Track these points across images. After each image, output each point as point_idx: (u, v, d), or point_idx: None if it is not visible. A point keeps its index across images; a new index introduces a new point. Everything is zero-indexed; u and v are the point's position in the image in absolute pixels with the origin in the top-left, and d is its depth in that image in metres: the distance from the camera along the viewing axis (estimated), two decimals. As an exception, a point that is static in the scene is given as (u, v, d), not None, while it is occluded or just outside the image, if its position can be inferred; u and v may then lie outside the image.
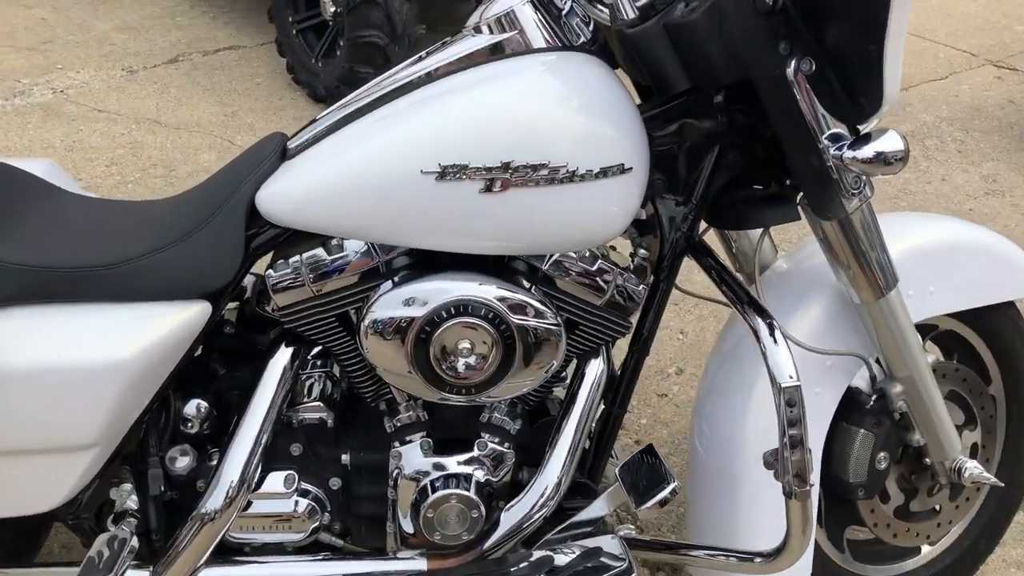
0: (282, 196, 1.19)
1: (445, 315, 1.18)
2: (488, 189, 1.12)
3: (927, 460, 1.44)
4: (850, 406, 1.40)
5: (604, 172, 1.14)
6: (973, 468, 1.41)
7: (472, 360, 1.19)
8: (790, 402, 1.15)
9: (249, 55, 3.93)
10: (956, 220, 1.56)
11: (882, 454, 1.41)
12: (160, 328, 1.19)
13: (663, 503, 1.23)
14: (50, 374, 1.17)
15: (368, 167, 1.15)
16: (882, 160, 1.12)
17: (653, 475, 1.26)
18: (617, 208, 1.18)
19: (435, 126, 1.14)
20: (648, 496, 1.24)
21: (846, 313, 1.37)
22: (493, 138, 1.12)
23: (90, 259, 1.20)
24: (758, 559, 1.27)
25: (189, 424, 1.33)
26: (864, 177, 1.18)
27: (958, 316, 1.48)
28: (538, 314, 1.20)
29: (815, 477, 1.25)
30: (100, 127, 3.26)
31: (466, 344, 1.19)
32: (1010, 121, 3.54)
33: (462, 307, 1.17)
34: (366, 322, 1.20)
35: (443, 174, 1.12)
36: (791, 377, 1.16)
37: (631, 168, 1.15)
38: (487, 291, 1.18)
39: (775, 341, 1.17)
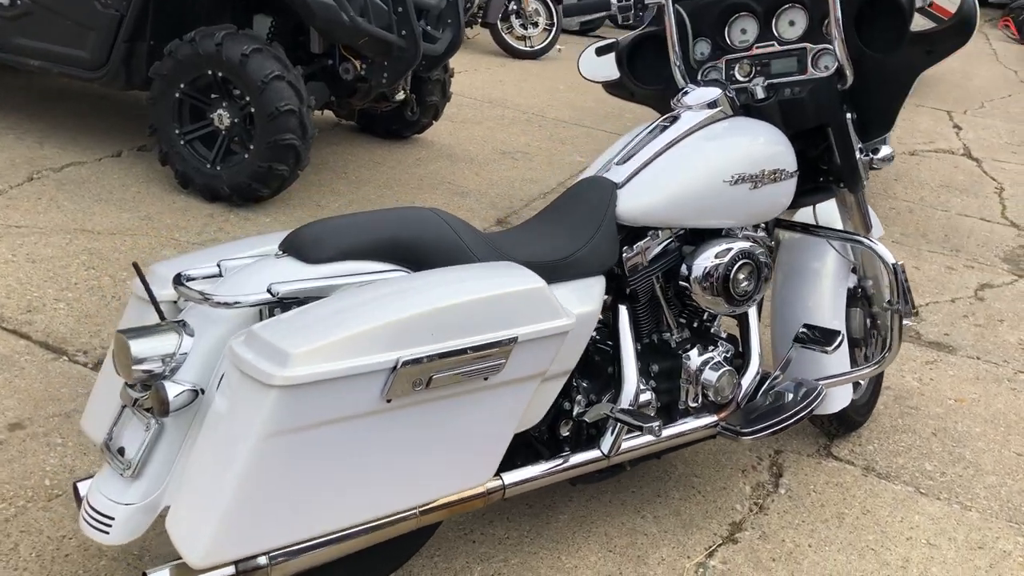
0: (637, 208, 2.05)
1: (735, 259, 2.13)
2: (755, 187, 2.13)
3: (878, 322, 2.70)
4: (851, 294, 2.61)
5: (792, 174, 2.21)
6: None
7: (747, 284, 2.16)
8: (901, 269, 2.31)
9: (97, 169, 4.13)
10: None
11: (867, 320, 2.64)
12: (595, 292, 1.98)
13: (837, 347, 2.31)
14: (558, 324, 1.89)
15: (689, 183, 2.08)
16: (884, 159, 2.36)
17: (824, 333, 2.34)
18: (789, 195, 2.25)
19: (727, 153, 2.11)
20: (828, 343, 2.30)
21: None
22: (756, 156, 2.13)
23: (552, 257, 1.94)
24: (873, 366, 2.41)
25: None
26: (870, 169, 2.40)
27: None
28: (766, 257, 2.21)
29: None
30: (33, 239, 3.33)
31: (744, 274, 2.15)
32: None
33: (743, 255, 2.14)
34: (694, 273, 2.11)
35: (734, 180, 2.10)
36: (894, 258, 2.32)
37: (796, 173, 2.24)
38: (750, 246, 2.16)
39: (875, 242, 2.33)
